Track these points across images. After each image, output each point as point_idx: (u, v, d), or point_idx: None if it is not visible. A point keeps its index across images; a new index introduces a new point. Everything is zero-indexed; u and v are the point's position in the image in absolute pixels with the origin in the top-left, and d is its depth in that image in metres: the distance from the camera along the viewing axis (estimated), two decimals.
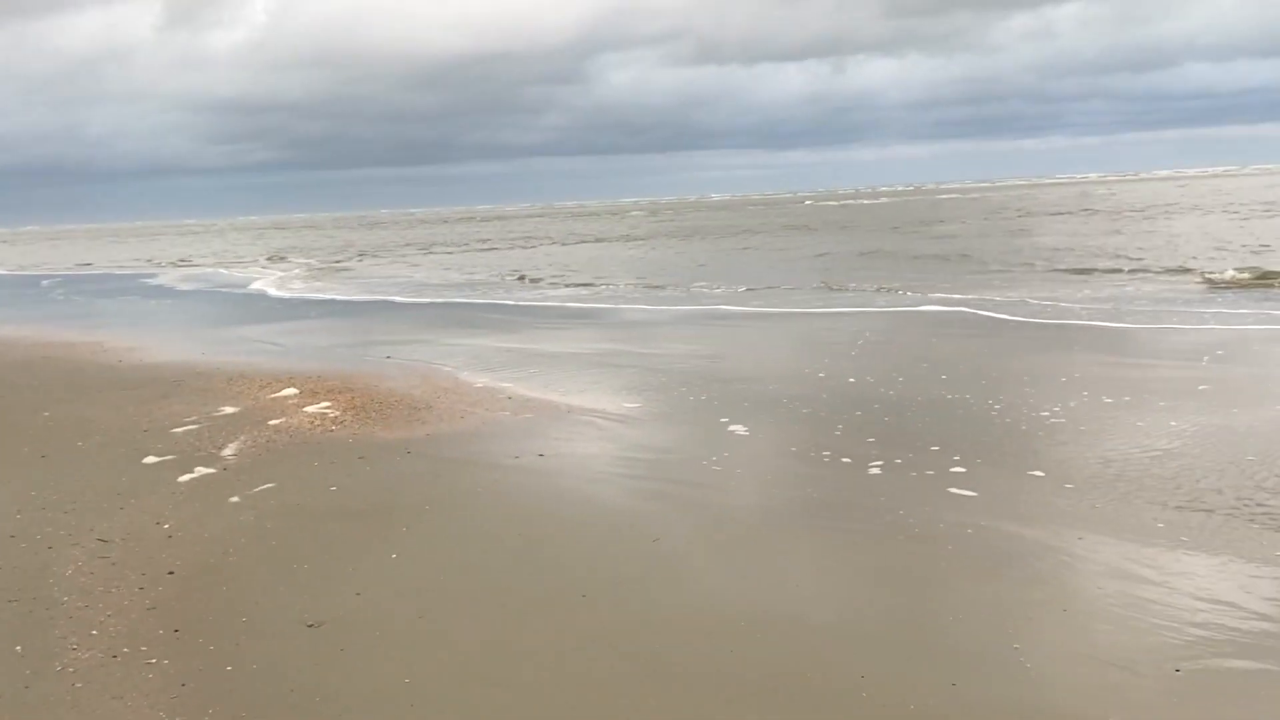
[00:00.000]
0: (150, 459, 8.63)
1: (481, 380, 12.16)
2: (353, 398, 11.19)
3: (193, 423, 10.07)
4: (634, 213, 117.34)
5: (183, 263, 49.29)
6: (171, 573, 5.83)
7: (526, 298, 23.86)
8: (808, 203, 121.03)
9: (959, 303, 18.10)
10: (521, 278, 29.45)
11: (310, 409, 10.64)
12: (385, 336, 17.17)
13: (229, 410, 10.66)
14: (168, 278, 37.66)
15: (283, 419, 10.16)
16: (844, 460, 7.82)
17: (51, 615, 5.19)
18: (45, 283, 37.83)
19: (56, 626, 5.06)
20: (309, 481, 7.83)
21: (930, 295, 19.54)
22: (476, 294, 25.30)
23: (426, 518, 6.85)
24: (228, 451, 8.86)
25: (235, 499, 7.39)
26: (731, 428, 9.12)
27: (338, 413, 10.42)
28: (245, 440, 9.28)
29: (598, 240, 53.28)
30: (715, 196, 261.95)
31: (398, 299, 24.54)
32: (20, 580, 5.70)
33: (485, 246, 52.88)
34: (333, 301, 24.81)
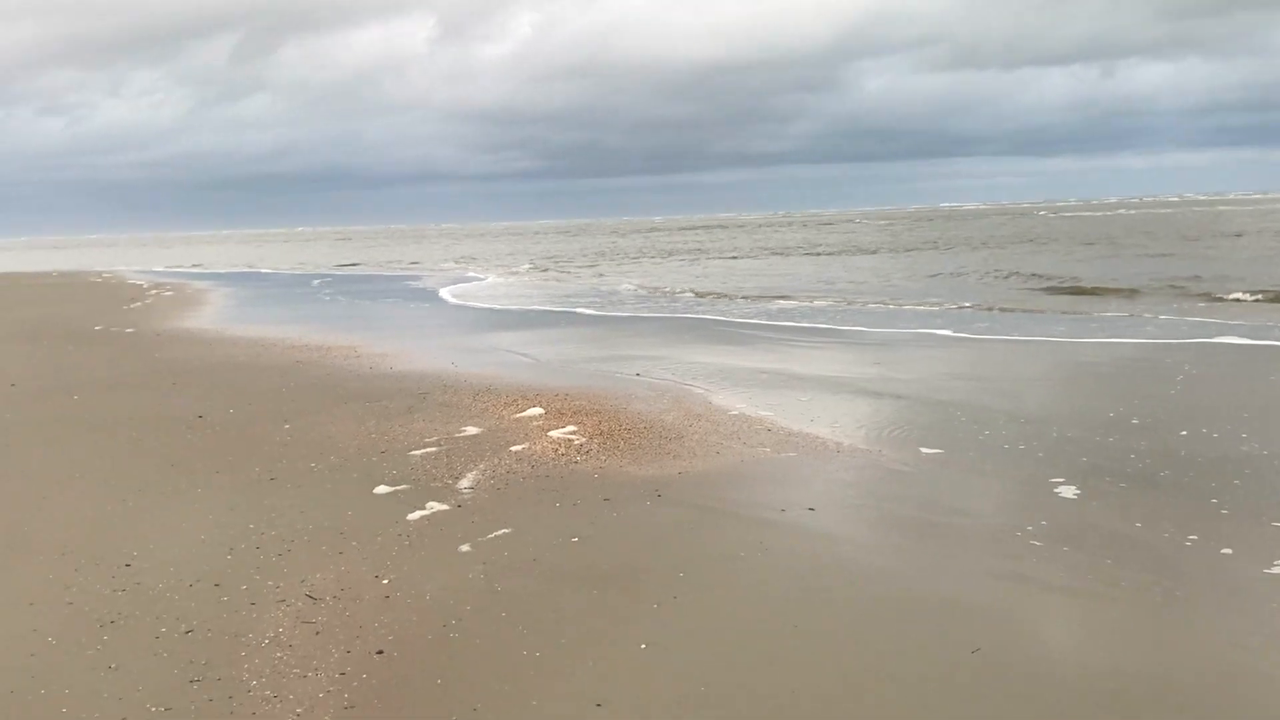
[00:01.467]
0: (382, 489, 7.84)
1: (736, 406, 10.94)
2: (600, 422, 10.20)
3: (433, 444, 9.31)
4: (881, 221, 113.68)
5: (441, 266, 50.73)
6: (380, 652, 4.85)
7: (767, 311, 22.53)
8: (1041, 213, 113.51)
9: (1255, 332, 15.50)
10: (762, 290, 28.13)
11: (555, 433, 9.71)
12: (632, 350, 16.24)
13: (471, 431, 9.87)
14: (430, 280, 38.54)
15: (525, 445, 9.25)
16: (1223, 551, 6.07)
17: (232, 708, 4.28)
18: (315, 282, 39.45)
19: None
20: (548, 529, 6.79)
21: (1206, 321, 16.98)
22: (718, 306, 24.19)
23: (681, 591, 5.64)
24: (464, 484, 7.97)
25: (466, 547, 6.43)
26: (1060, 489, 7.46)
27: (583, 439, 9.43)
28: (484, 470, 8.39)
29: (840, 251, 51.25)
30: (969, 205, 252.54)
31: (644, 312, 23.70)
32: (210, 650, 4.86)
33: (726, 255, 51.84)
34: (582, 311, 24.25)
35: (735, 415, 10.47)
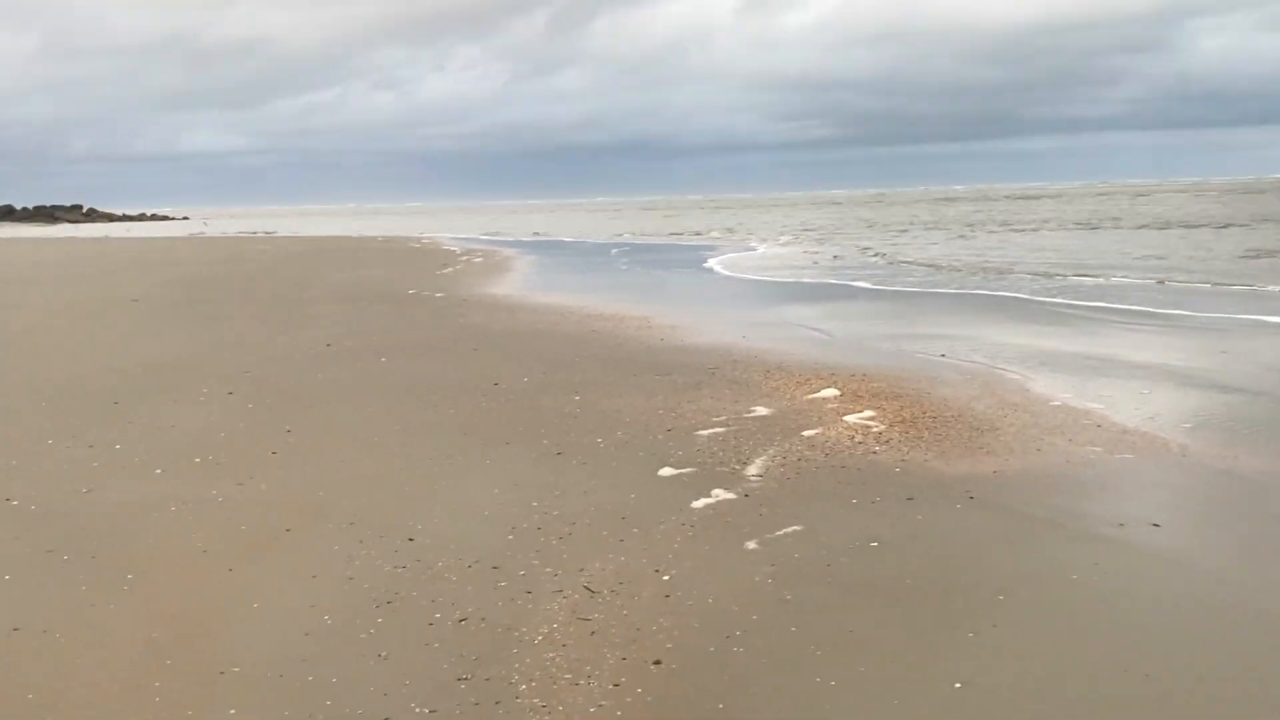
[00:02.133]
0: (666, 470, 7.44)
1: (1058, 396, 9.84)
2: (901, 407, 9.42)
3: (720, 424, 8.86)
4: (1209, 193, 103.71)
5: (732, 235, 50.56)
6: (658, 663, 4.40)
7: (1077, 289, 20.66)
8: None
9: None
10: (1070, 266, 25.89)
11: (851, 418, 9.02)
12: (932, 328, 15.22)
13: (761, 412, 9.35)
14: (724, 251, 38.39)
15: (818, 429, 8.63)
16: None
17: (498, 716, 3.93)
18: (613, 251, 40.16)
19: None
20: (843, 529, 6.16)
21: None
22: (1018, 282, 22.42)
23: (1001, 618, 4.87)
24: (752, 470, 7.45)
25: (752, 544, 5.90)
26: None
27: (882, 427, 8.69)
28: (774, 455, 7.84)
29: (1161, 225, 46.86)
30: None
31: (935, 287, 22.35)
32: (482, 643, 4.57)
33: (1032, 227, 48.67)
34: (862, 285, 23.21)
35: (1057, 406, 9.39)
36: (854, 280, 24.17)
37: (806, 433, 8.53)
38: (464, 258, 34.92)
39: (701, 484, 7.07)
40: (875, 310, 17.98)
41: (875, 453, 7.91)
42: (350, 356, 12.79)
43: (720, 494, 6.85)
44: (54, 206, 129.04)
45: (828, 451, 7.92)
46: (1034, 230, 46.49)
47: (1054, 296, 19.40)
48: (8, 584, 5.29)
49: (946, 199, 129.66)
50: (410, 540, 5.90)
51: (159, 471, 7.37)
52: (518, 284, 24.16)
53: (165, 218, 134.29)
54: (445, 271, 28.25)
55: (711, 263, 31.86)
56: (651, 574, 5.42)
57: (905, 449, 7.99)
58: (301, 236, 59.41)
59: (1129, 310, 17.00)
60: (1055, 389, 10.20)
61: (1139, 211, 63.41)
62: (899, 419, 8.96)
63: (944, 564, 5.57)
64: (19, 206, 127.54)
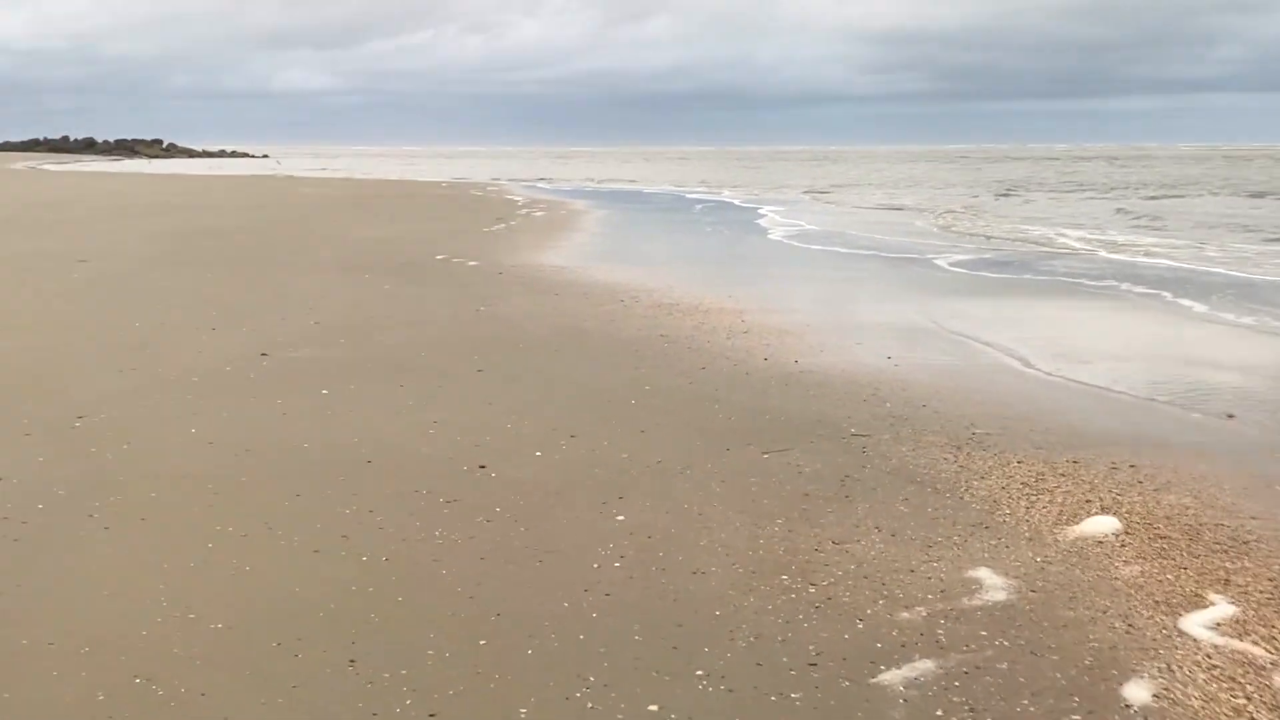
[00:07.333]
0: None
1: None
2: (1274, 586, 4.55)
3: (921, 638, 4.15)
4: None
5: (826, 192, 45.07)
6: None
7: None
8: None
9: None
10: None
11: (1202, 631, 4.20)
12: (1180, 350, 10.28)
13: (995, 589, 4.61)
14: (829, 212, 33.16)
15: (1160, 679, 3.81)
16: None
17: None
18: (698, 208, 35.07)
19: None
20: None
21: None
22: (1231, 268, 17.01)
23: None
24: None
25: None
26: None
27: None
28: None
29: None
30: None
31: (1133, 283, 17.07)
32: None
33: (1150, 194, 42.30)
34: (1026, 274, 18.03)
35: None
36: (998, 268, 18.99)
37: (1131, 693, 3.69)
38: (523, 211, 30.16)
39: None
40: (1066, 317, 12.90)
41: None
42: (282, 381, 8.17)
43: None
44: (135, 141, 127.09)
45: None
46: (1175, 195, 40.19)
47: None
48: None
49: (1054, 158, 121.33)
50: None
51: None
52: (578, 251, 19.34)
53: (245, 155, 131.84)
54: (495, 229, 23.55)
55: (804, 227, 26.63)
56: None
57: None
58: (356, 180, 55.09)
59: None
60: None
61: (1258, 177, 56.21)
62: None
63: None
64: (100, 140, 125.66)
